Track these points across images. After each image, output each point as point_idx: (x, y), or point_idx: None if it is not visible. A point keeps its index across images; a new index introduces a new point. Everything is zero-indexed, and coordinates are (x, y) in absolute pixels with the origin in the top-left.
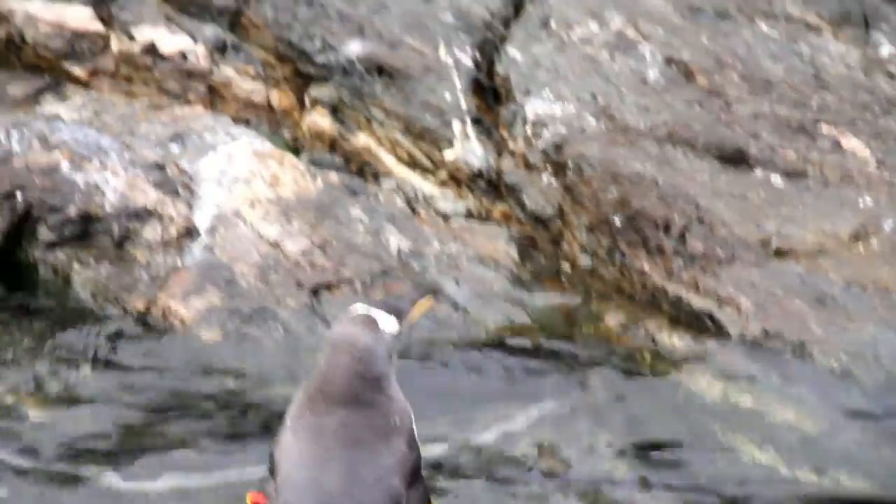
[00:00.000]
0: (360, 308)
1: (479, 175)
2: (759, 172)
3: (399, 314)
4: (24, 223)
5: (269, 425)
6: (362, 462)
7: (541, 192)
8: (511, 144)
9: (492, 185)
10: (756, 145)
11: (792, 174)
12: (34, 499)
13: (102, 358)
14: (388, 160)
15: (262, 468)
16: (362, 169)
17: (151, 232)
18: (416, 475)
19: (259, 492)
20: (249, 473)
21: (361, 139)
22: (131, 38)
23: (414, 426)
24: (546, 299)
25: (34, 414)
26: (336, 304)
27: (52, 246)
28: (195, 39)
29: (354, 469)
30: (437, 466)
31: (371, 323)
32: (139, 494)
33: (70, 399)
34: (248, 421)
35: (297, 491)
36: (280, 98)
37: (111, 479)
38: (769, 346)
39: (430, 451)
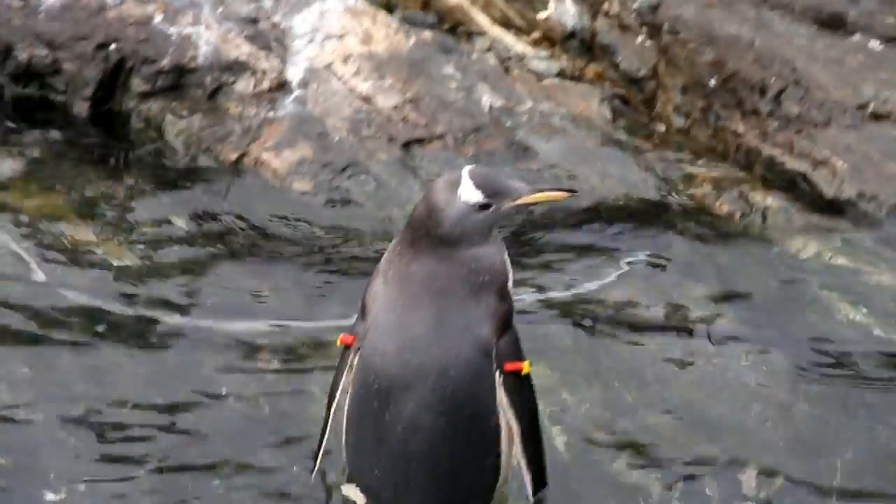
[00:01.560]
0: (465, 170)
1: (572, 35)
2: (857, 37)
3: (493, 191)
4: (117, 74)
5: (358, 274)
6: (448, 311)
7: (635, 53)
8: (605, 5)
9: (585, 46)
10: (854, 10)
11: (890, 39)
12: (130, 338)
13: (195, 207)
14: (482, 19)
15: (352, 315)
16: (455, 28)
17: (244, 85)
18: (506, 326)
19: (350, 334)
20: (339, 320)
21: None
22: None
23: (510, 282)
24: (638, 159)
25: (128, 261)
26: (428, 159)
27: (145, 96)
28: None
29: (441, 317)
30: (526, 318)
31: (452, 186)
32: (231, 338)
33: (162, 247)
34: (339, 270)
35: (383, 335)
36: None
37: (203, 323)
38: (864, 209)
39: (522, 304)
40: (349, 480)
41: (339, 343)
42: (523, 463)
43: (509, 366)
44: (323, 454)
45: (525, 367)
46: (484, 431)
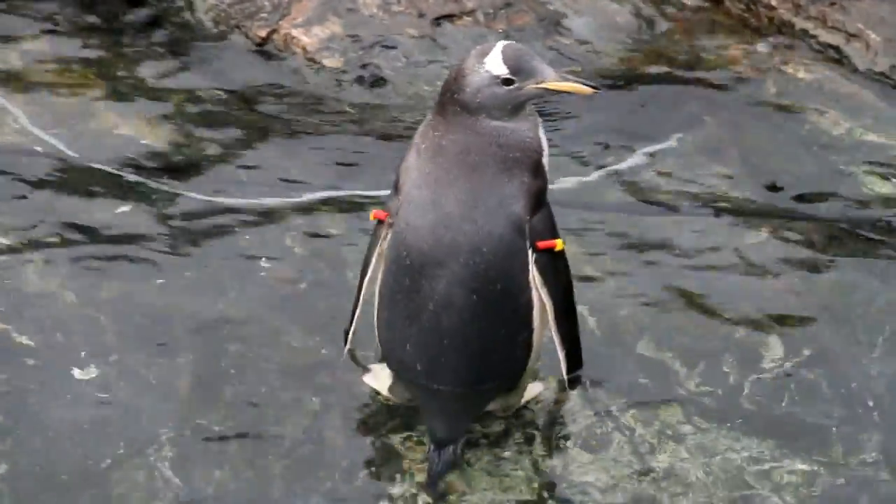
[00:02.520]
0: (499, 43)
1: None
2: None
3: (518, 68)
4: None
5: (388, 148)
6: (481, 187)
7: None
8: None
9: None
10: None
11: None
12: (161, 213)
13: (225, 81)
14: None
15: (382, 190)
16: None
17: None
18: (539, 203)
19: (384, 209)
20: (372, 190)
21: None
22: None
23: (545, 158)
24: (670, 33)
25: (156, 136)
26: (458, 35)
27: None
28: None
29: (473, 193)
30: (560, 198)
31: (482, 55)
32: (262, 211)
33: (194, 123)
34: (369, 143)
35: (416, 210)
36: None
37: (234, 199)
38: None
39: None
40: (382, 356)
41: (371, 217)
42: (557, 340)
43: (542, 243)
44: (354, 331)
45: (558, 244)
46: (516, 308)
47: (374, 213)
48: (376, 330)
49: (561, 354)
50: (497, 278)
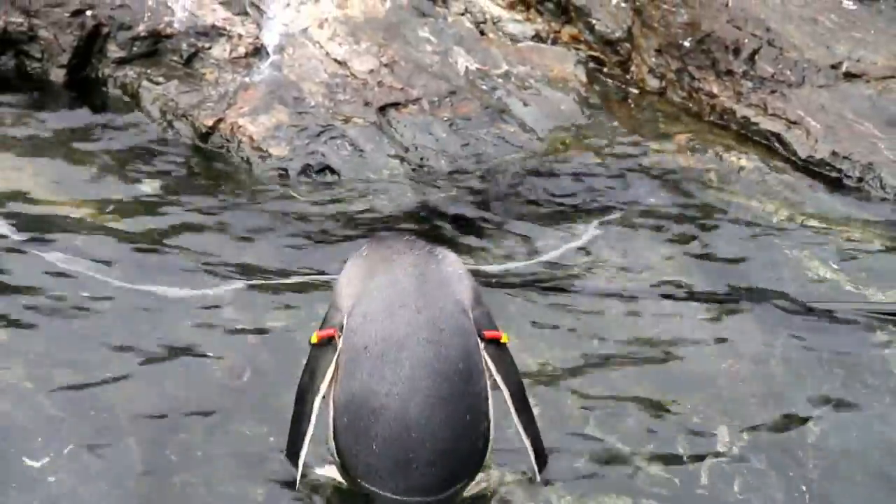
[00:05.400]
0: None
1: None
2: None
3: None
4: (93, 40)
5: (332, 237)
6: (428, 272)
7: (610, 14)
8: None
9: (561, 8)
10: None
11: None
12: (109, 303)
13: (172, 172)
14: None
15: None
16: None
17: (220, 50)
18: (477, 300)
19: (324, 329)
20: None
21: None
22: None
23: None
24: (614, 121)
25: (110, 226)
26: (404, 123)
27: (121, 63)
28: None
29: (422, 275)
30: (502, 284)
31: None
32: (209, 302)
33: (141, 211)
34: (314, 230)
35: (370, 296)
36: None
37: (181, 290)
38: (837, 168)
39: (497, 268)
40: (344, 469)
41: (315, 340)
42: (521, 428)
43: (489, 333)
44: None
45: (504, 337)
46: (476, 392)
47: (317, 335)
48: (332, 443)
49: (527, 442)
50: (458, 357)
